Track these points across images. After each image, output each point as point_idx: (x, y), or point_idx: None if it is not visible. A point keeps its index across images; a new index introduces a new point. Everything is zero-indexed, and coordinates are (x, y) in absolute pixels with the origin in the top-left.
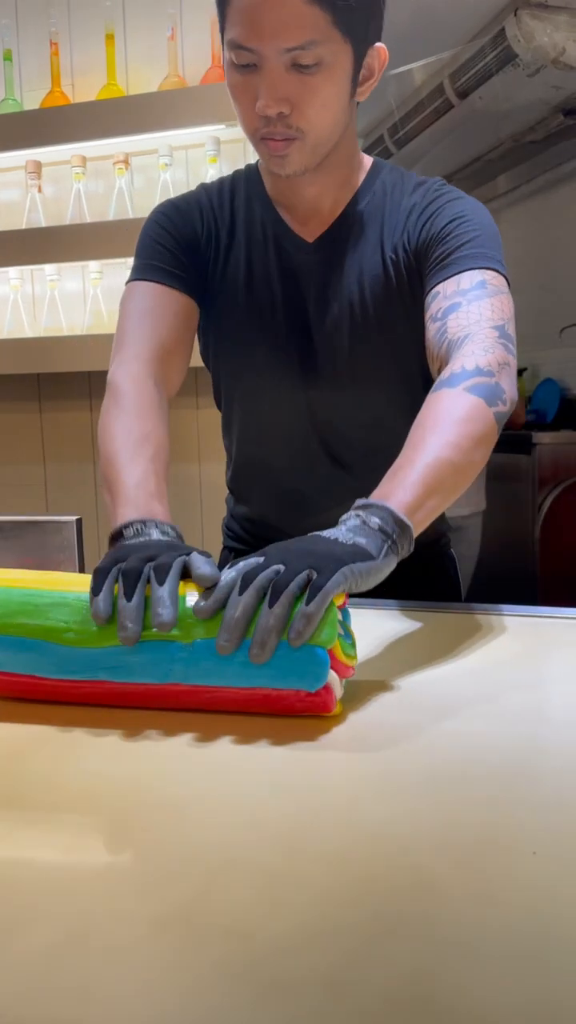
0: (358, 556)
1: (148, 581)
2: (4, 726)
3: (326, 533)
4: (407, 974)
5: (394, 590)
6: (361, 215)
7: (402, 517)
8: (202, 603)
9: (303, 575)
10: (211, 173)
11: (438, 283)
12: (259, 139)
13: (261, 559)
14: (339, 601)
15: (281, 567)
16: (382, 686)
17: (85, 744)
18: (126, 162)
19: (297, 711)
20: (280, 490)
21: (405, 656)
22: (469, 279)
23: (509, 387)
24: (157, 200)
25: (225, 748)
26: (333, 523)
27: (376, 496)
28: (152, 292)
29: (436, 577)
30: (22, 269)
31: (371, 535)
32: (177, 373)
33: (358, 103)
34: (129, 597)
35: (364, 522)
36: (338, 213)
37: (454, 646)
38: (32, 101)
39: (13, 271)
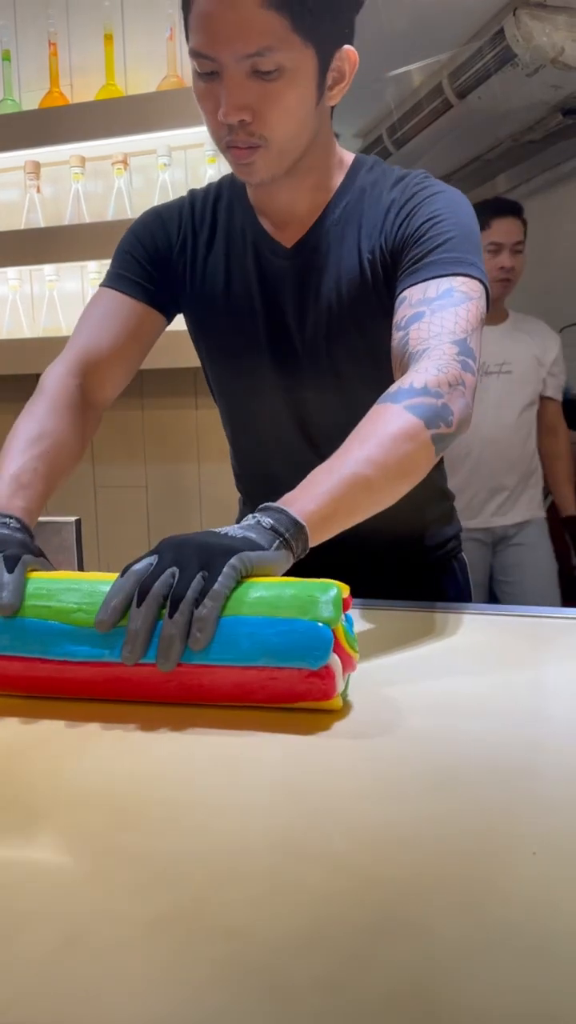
0: (248, 547)
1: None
2: (3, 725)
3: (220, 530)
4: (407, 975)
5: (404, 595)
6: (339, 218)
7: (297, 517)
8: (101, 616)
9: (197, 580)
10: (210, 173)
11: (406, 288)
12: (225, 147)
13: (154, 559)
14: (344, 592)
15: (175, 570)
16: (382, 686)
17: (84, 744)
18: (125, 162)
19: (298, 695)
20: (277, 489)
21: (404, 656)
22: (436, 287)
23: (459, 408)
24: (156, 200)
25: (224, 749)
26: None
27: (280, 502)
28: (111, 300)
29: (446, 583)
30: (21, 269)
31: (262, 532)
32: (113, 380)
33: (332, 107)
34: None
35: (258, 522)
36: (316, 217)
37: (453, 646)
38: (31, 101)
39: (12, 271)
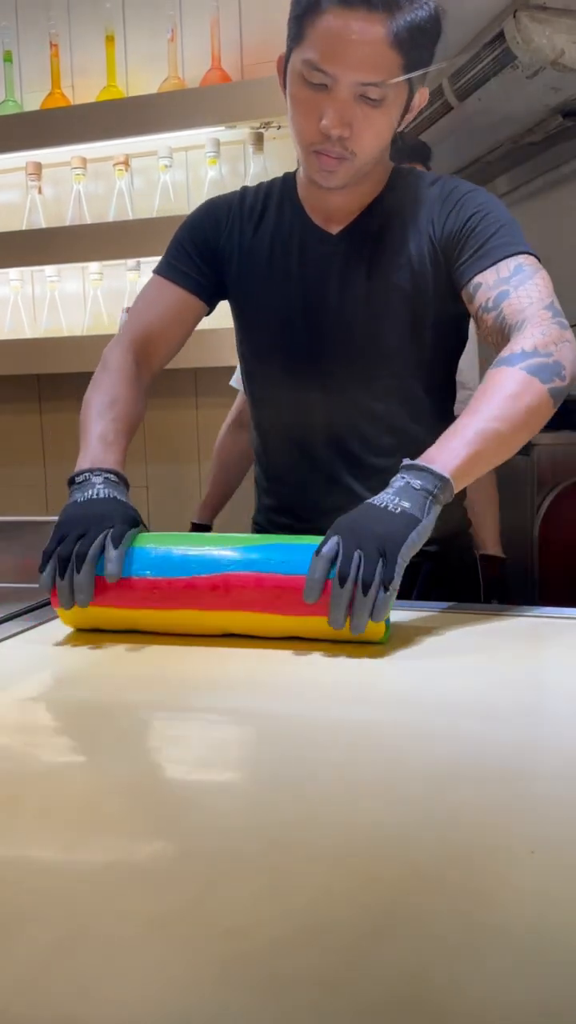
0: (409, 524)
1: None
2: (8, 723)
3: (376, 500)
4: (405, 973)
5: (414, 590)
6: (383, 211)
7: (443, 473)
8: (309, 595)
9: (379, 569)
10: (211, 175)
11: (476, 274)
12: (312, 152)
13: (337, 541)
14: None
15: (361, 553)
16: (380, 685)
17: (83, 742)
18: (126, 163)
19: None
20: (305, 477)
21: (404, 655)
22: (507, 266)
23: (571, 362)
24: (157, 202)
25: (223, 746)
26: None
27: (423, 459)
28: (159, 287)
29: (456, 578)
30: (22, 270)
31: (414, 497)
32: (159, 356)
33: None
34: (63, 577)
35: (408, 483)
36: (361, 211)
37: (452, 645)
38: (32, 102)
39: (13, 272)
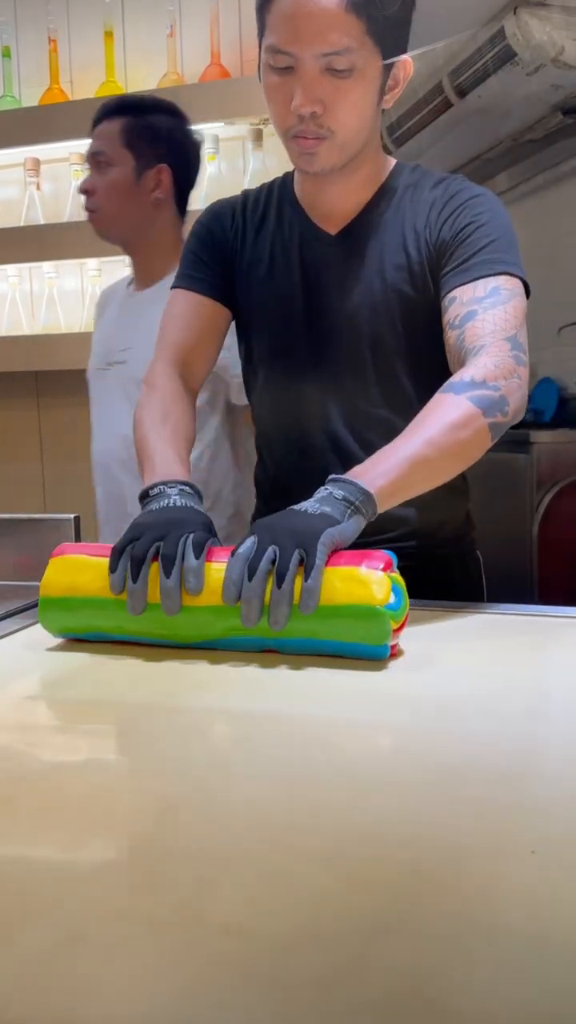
0: (327, 523)
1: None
2: (5, 722)
3: (298, 507)
4: (405, 973)
5: (417, 590)
6: (383, 211)
7: (366, 487)
8: (226, 596)
9: (295, 558)
10: (210, 171)
11: (455, 287)
12: (291, 137)
13: (254, 541)
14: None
15: (276, 548)
16: (380, 685)
17: (80, 742)
18: None
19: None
20: (303, 471)
21: (403, 655)
22: (484, 286)
23: (515, 399)
24: None
25: (222, 745)
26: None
27: (350, 474)
28: (184, 300)
29: (459, 578)
30: (20, 267)
31: (335, 504)
32: (201, 365)
33: (383, 110)
34: (135, 579)
35: (330, 494)
36: (360, 210)
37: (451, 645)
38: (31, 98)
39: (11, 268)
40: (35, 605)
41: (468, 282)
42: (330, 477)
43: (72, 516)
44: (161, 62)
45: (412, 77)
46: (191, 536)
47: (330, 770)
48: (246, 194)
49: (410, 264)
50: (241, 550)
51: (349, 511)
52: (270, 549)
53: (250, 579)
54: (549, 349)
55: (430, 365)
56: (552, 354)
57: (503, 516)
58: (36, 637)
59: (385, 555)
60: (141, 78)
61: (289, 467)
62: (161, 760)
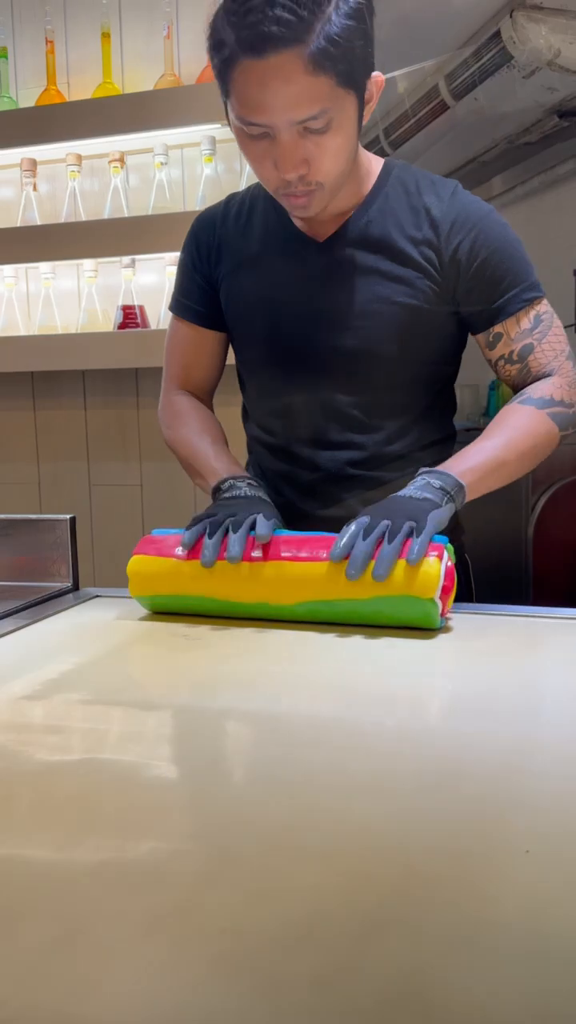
0: (432, 506)
1: (227, 529)
2: (2, 721)
3: (401, 493)
4: (400, 972)
5: None
6: (372, 215)
7: (458, 479)
8: (336, 552)
9: (407, 527)
10: (206, 172)
11: (498, 323)
12: (281, 195)
13: (367, 518)
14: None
15: (388, 522)
16: (374, 684)
17: (77, 741)
18: (121, 160)
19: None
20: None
21: (401, 654)
22: (527, 317)
23: None
24: (152, 199)
25: (219, 745)
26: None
27: (442, 467)
28: (178, 328)
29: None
30: (17, 267)
31: (434, 491)
32: (206, 387)
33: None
34: (210, 536)
35: (428, 483)
36: (349, 215)
37: (446, 646)
38: (28, 99)
39: (8, 269)
40: (32, 605)
41: (510, 317)
42: (422, 469)
43: (68, 517)
44: (158, 64)
45: (409, 80)
46: (261, 514)
47: (325, 770)
48: (229, 200)
49: (409, 275)
50: (357, 521)
51: (446, 498)
52: (383, 523)
53: (364, 539)
54: None
55: (423, 372)
56: None
57: (498, 517)
58: (33, 637)
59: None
60: (138, 79)
61: (280, 472)
62: (158, 760)
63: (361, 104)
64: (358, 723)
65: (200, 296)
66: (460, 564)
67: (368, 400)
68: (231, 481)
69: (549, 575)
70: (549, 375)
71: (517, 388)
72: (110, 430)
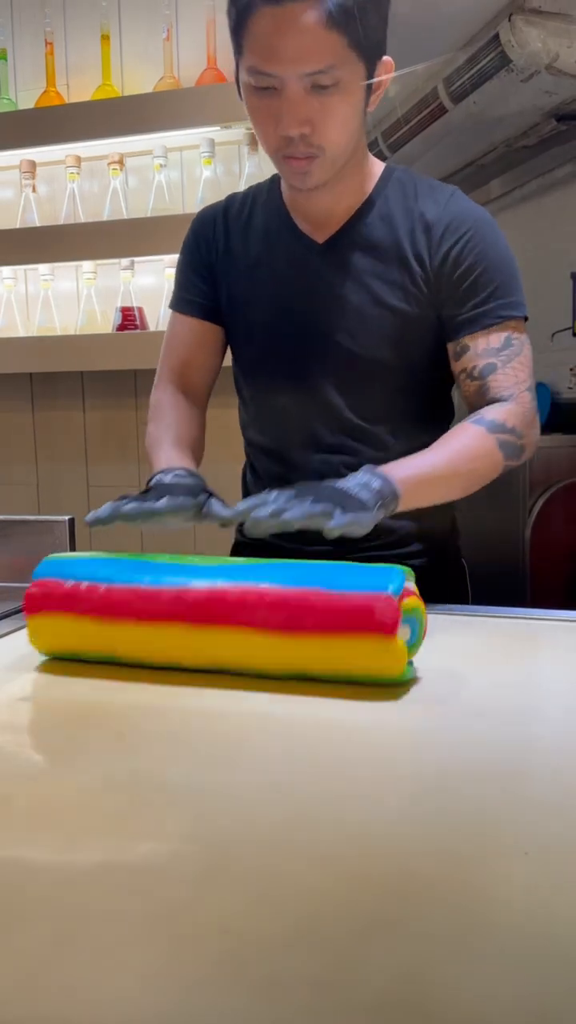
0: (360, 507)
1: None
2: (5, 723)
3: (338, 482)
4: (398, 973)
5: None
6: (372, 218)
7: (397, 489)
8: (257, 514)
9: (333, 507)
10: (206, 175)
11: (465, 335)
12: (281, 158)
13: (293, 492)
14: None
15: (314, 498)
16: (372, 688)
17: (74, 742)
18: (121, 162)
19: (358, 623)
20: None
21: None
22: (498, 336)
23: (529, 451)
24: (151, 201)
25: (220, 746)
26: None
27: (384, 468)
28: (181, 324)
29: (442, 587)
30: (16, 268)
31: (371, 493)
32: (200, 383)
33: (368, 112)
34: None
35: (368, 483)
36: (349, 216)
37: (445, 647)
38: (27, 100)
39: (7, 270)
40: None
41: (480, 331)
42: (366, 466)
43: (66, 518)
44: (158, 66)
45: (407, 83)
46: (166, 496)
47: (323, 771)
48: (230, 200)
49: (404, 280)
50: (278, 491)
51: (378, 504)
52: (309, 499)
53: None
54: (541, 354)
55: (419, 377)
56: (544, 359)
57: (496, 519)
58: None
59: (392, 600)
60: (137, 81)
61: (274, 475)
62: (157, 760)
63: (370, 79)
64: (355, 725)
65: (201, 289)
66: (456, 566)
67: (362, 403)
68: (158, 476)
69: (547, 577)
70: (508, 399)
71: (473, 408)
72: (108, 432)
